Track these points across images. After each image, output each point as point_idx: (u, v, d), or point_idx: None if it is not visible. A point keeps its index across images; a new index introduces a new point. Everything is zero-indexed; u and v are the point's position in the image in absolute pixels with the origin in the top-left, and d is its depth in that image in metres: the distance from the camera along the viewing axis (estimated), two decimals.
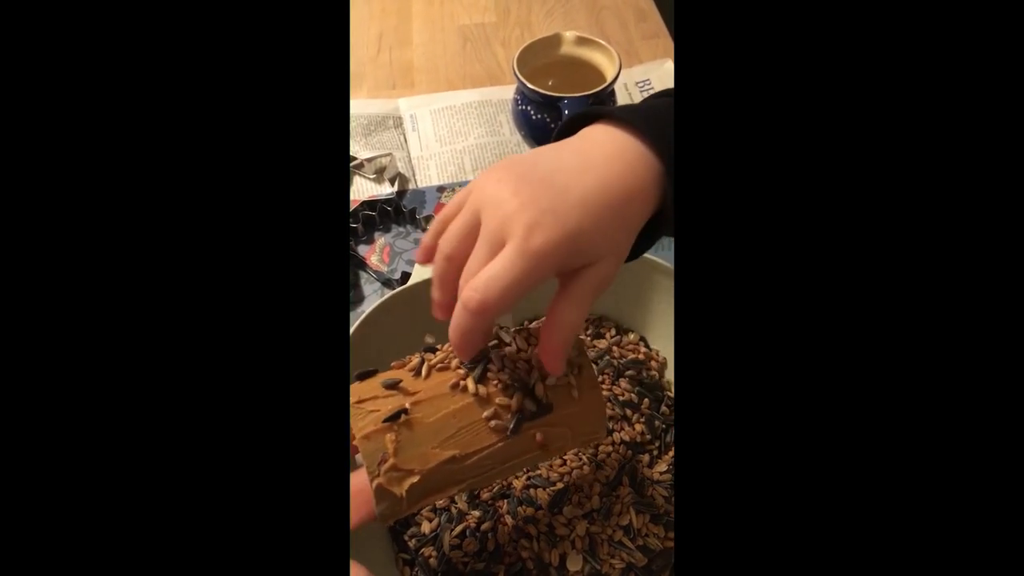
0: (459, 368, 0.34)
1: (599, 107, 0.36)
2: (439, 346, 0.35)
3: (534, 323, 0.36)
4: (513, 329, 0.36)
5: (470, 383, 0.33)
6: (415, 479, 0.31)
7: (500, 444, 0.33)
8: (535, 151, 0.33)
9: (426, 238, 0.34)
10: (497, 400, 0.33)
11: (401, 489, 0.31)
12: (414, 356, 0.35)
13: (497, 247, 0.29)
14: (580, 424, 0.35)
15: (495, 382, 0.33)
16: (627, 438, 0.45)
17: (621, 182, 0.30)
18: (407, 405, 0.32)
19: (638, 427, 0.46)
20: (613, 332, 0.52)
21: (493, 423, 0.33)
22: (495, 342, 0.35)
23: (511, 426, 0.32)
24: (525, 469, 0.44)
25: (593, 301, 0.32)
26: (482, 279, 0.29)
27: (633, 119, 0.32)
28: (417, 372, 0.34)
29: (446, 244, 0.32)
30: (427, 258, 0.34)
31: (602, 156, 0.31)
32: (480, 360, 0.34)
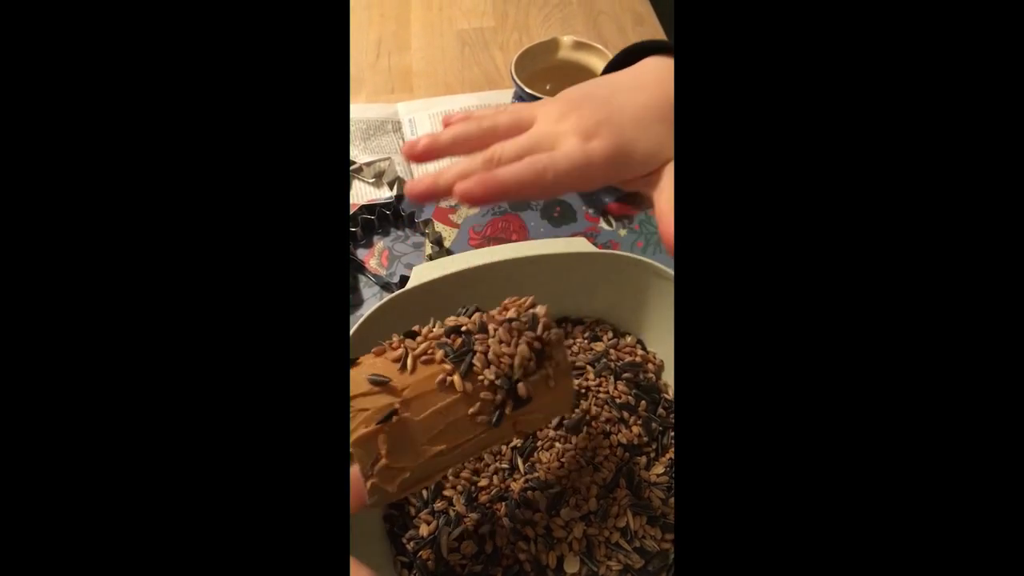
0: (443, 362, 0.35)
1: (650, 40, 0.37)
2: (421, 331, 0.37)
3: (512, 308, 0.37)
4: (498, 317, 0.37)
5: (456, 380, 0.34)
6: (405, 475, 0.33)
7: (483, 434, 0.35)
8: (591, 81, 0.35)
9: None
10: (482, 395, 0.34)
11: (393, 485, 0.33)
12: (394, 341, 0.36)
13: (546, 147, 0.30)
14: (553, 408, 0.38)
15: (480, 378, 0.34)
16: (624, 440, 0.46)
17: (671, 98, 0.32)
18: (396, 405, 0.33)
19: (635, 429, 0.46)
20: (610, 335, 0.53)
21: (479, 418, 0.34)
22: (480, 335, 0.36)
23: (494, 420, 0.34)
24: (524, 472, 0.44)
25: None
26: (543, 157, 0.30)
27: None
28: (402, 365, 0.34)
29: (485, 117, 0.32)
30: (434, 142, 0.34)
31: (655, 78, 0.33)
32: (465, 353, 0.35)
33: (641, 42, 0.37)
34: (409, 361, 0.34)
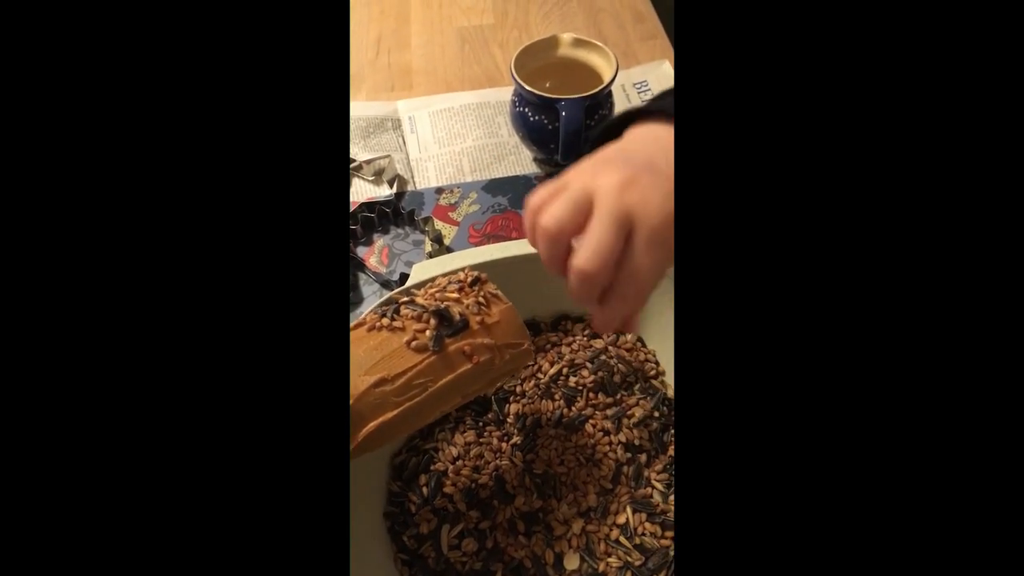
0: (371, 318, 0.37)
1: (634, 108, 0.37)
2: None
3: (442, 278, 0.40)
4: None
5: (384, 321, 0.36)
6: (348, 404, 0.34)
7: (426, 361, 0.35)
8: (622, 147, 0.34)
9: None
10: (413, 327, 0.36)
11: None
12: None
13: (627, 229, 0.30)
14: (500, 333, 0.38)
15: (407, 315, 0.37)
16: (624, 438, 0.46)
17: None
18: (349, 354, 0.35)
19: (635, 427, 0.46)
20: (610, 332, 0.53)
21: (414, 344, 0.35)
22: (407, 298, 0.39)
23: (431, 343, 0.35)
24: (523, 468, 0.44)
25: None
26: (631, 274, 0.30)
27: (669, 113, 0.34)
28: None
29: (551, 221, 0.31)
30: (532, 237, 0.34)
31: (667, 145, 0.32)
32: (390, 304, 0.38)
33: (622, 114, 0.37)
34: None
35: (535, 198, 0.33)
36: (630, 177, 0.30)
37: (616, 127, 0.37)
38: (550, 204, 0.31)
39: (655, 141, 0.33)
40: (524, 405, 0.47)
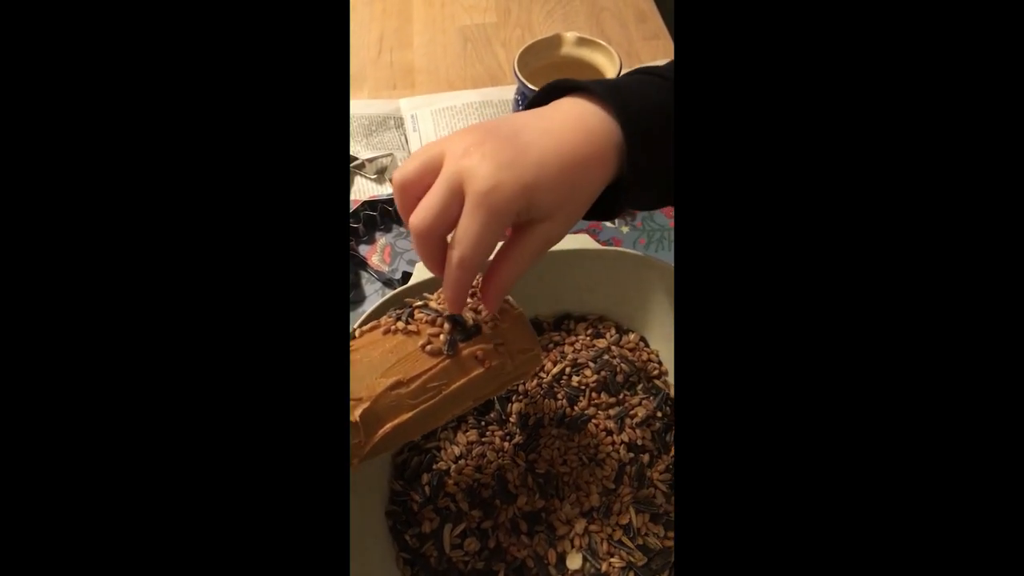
0: (386, 321, 0.38)
1: (570, 79, 0.37)
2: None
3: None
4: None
5: (399, 324, 0.37)
6: (365, 405, 0.34)
7: (440, 365, 0.36)
8: (504, 116, 0.35)
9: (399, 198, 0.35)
10: (428, 332, 0.36)
11: (354, 416, 0.34)
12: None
13: (457, 191, 0.31)
14: (512, 339, 0.38)
15: (422, 319, 0.37)
16: (627, 438, 0.46)
17: (579, 147, 0.32)
18: (349, 354, 0.35)
19: (638, 427, 0.46)
20: (613, 332, 0.52)
21: (428, 348, 0.36)
22: (421, 302, 0.39)
23: (446, 347, 0.36)
24: (525, 467, 0.44)
25: (539, 256, 0.34)
26: (457, 238, 0.31)
27: (598, 90, 0.34)
28: (350, 336, 0.38)
29: (400, 175, 0.33)
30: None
31: (564, 121, 0.33)
32: (404, 308, 0.38)
33: (558, 81, 0.37)
34: (357, 332, 0.38)
35: (400, 173, 0.33)
36: (476, 141, 0.31)
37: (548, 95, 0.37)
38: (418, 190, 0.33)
39: (554, 112, 0.34)
40: (527, 404, 0.47)
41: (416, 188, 0.33)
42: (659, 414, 0.47)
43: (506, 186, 0.30)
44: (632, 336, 0.52)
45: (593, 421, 0.46)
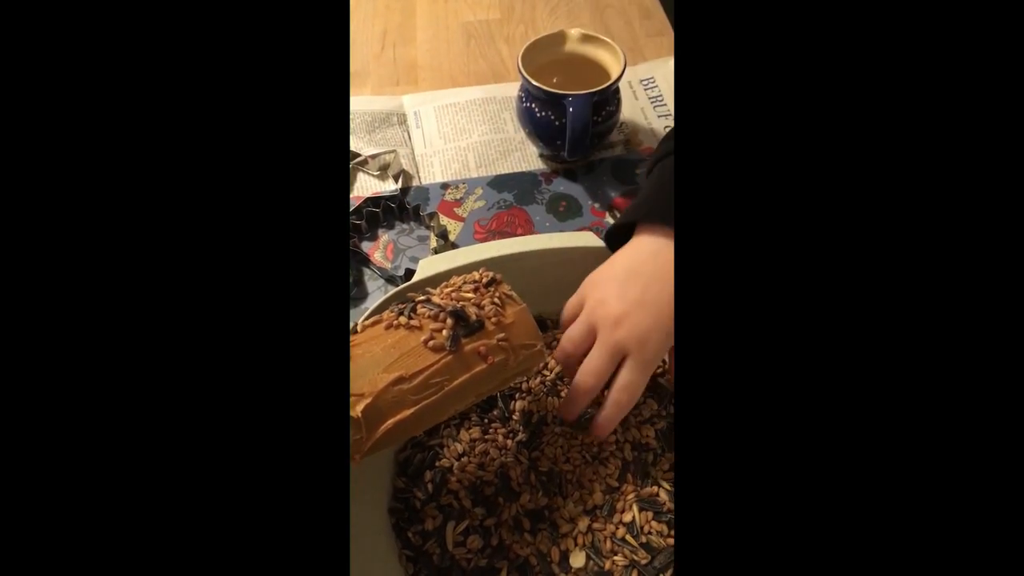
0: (388, 316, 0.38)
1: (630, 215, 0.45)
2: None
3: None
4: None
5: (401, 319, 0.37)
6: (368, 400, 0.34)
7: (443, 361, 0.36)
8: (617, 267, 0.43)
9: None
10: (431, 327, 0.36)
11: (356, 411, 0.34)
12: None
13: (617, 358, 0.40)
14: (515, 335, 0.38)
15: (424, 314, 0.37)
16: (630, 437, 0.46)
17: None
18: (349, 350, 0.35)
19: (643, 426, 0.46)
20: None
21: (431, 343, 0.36)
22: (424, 297, 0.39)
23: (448, 343, 0.36)
24: (528, 465, 0.44)
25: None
26: (618, 387, 0.40)
27: (660, 218, 0.42)
28: (352, 330, 0.38)
29: (568, 343, 0.42)
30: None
31: (662, 265, 0.41)
32: (406, 303, 0.38)
33: (624, 218, 0.45)
34: (359, 326, 0.38)
35: (565, 345, 0.43)
36: (623, 313, 0.40)
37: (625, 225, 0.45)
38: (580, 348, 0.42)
39: (652, 260, 0.41)
40: (530, 402, 0.47)
41: (579, 353, 0.42)
42: (663, 413, 0.47)
43: (660, 345, 0.40)
44: None
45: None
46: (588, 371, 0.40)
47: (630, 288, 0.41)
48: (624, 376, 0.40)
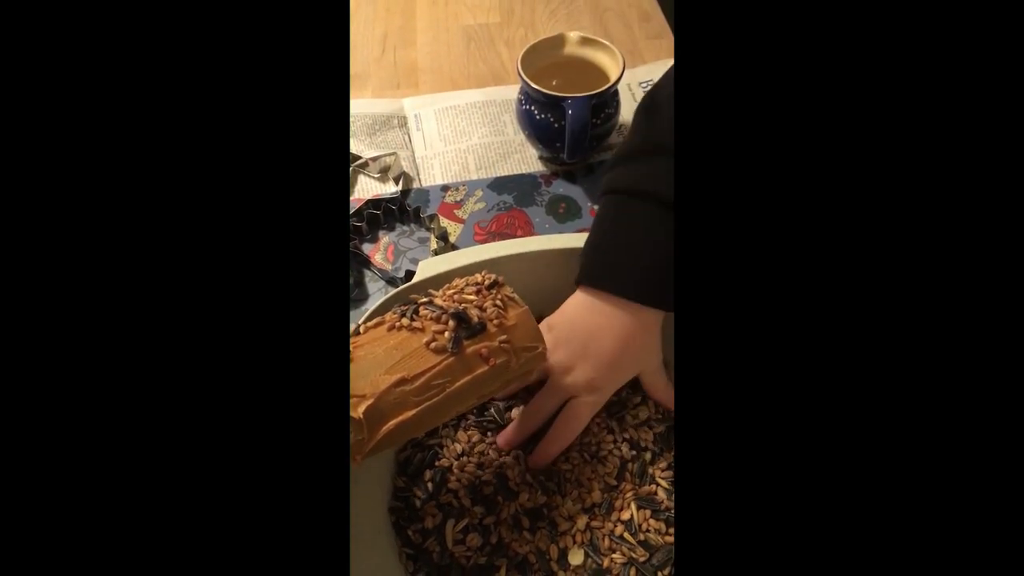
0: (391, 318, 0.38)
1: (584, 273, 0.46)
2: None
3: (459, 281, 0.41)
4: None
5: (403, 321, 0.37)
6: (369, 402, 0.34)
7: (445, 362, 0.36)
8: (564, 321, 0.46)
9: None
10: (433, 328, 0.37)
11: (357, 412, 0.34)
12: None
13: (562, 399, 0.45)
14: (516, 337, 0.39)
15: (426, 316, 0.37)
16: (628, 436, 0.46)
17: (630, 340, 0.44)
18: (349, 350, 0.36)
19: (640, 426, 0.46)
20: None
21: (433, 345, 0.36)
22: (426, 299, 0.39)
23: (450, 344, 0.36)
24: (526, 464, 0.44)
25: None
26: (558, 422, 0.45)
27: (610, 286, 0.44)
28: (355, 331, 0.39)
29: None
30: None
31: (604, 319, 0.44)
32: (408, 305, 0.38)
33: (581, 274, 0.46)
34: (361, 327, 0.38)
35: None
36: (569, 365, 0.45)
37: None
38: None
39: (590, 317, 0.45)
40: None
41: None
42: (661, 413, 0.47)
43: (604, 390, 0.45)
44: None
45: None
46: (536, 410, 0.45)
47: (574, 342, 0.45)
48: (565, 412, 0.44)
